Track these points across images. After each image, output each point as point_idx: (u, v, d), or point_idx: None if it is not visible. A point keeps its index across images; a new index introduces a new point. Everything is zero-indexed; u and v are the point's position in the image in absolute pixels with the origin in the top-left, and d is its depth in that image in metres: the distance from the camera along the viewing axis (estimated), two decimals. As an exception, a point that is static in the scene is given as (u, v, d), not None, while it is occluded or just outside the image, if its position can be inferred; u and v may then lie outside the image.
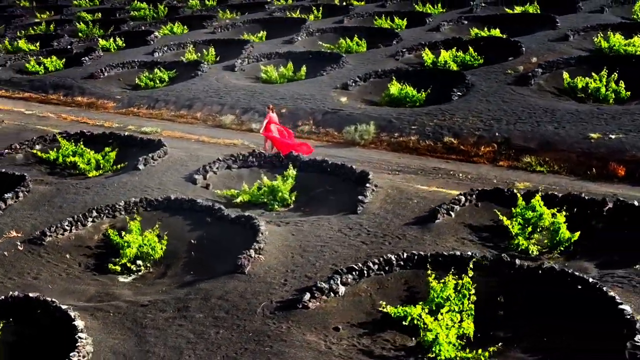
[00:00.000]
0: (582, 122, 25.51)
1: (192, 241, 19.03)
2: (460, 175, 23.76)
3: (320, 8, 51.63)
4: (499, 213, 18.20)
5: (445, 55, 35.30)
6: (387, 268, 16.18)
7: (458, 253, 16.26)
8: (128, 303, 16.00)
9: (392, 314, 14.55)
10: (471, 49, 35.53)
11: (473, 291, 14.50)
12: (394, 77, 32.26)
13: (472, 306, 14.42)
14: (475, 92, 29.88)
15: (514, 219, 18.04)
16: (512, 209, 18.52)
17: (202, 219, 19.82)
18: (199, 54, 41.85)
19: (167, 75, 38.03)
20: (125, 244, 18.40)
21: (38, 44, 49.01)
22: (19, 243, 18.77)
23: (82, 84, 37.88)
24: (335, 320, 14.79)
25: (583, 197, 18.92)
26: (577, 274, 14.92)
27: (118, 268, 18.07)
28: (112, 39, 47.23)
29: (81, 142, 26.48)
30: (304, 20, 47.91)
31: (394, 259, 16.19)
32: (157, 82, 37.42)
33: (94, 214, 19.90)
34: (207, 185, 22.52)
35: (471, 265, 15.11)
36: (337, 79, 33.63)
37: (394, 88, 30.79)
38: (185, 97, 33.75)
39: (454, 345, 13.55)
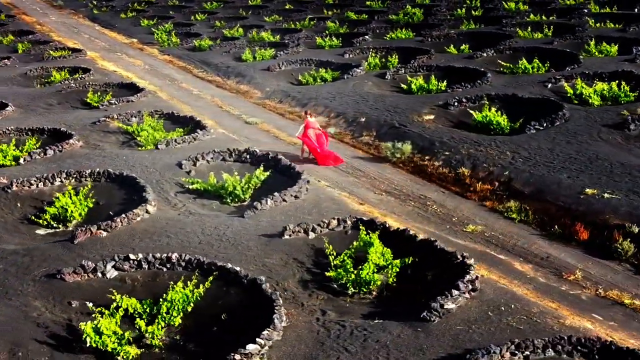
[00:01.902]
0: (605, 176, 22.19)
1: (110, 213, 21.39)
2: (433, 207, 22.50)
3: (552, 27, 48.75)
4: (326, 242, 17.55)
5: (599, 87, 32.01)
6: (168, 265, 16.98)
7: (228, 265, 16.44)
8: (-12, 246, 19.06)
9: (121, 304, 15.56)
10: (624, 84, 31.66)
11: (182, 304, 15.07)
12: (486, 102, 30.50)
13: (166, 315, 14.95)
14: (555, 128, 27.17)
15: (345, 252, 17.31)
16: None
17: (135, 196, 22.04)
18: (384, 60, 42.89)
19: (331, 75, 39.96)
20: (57, 201, 21.47)
21: (278, 36, 54.05)
22: (-4, 187, 22.89)
23: (254, 74, 41.63)
24: (80, 296, 16.21)
25: (436, 246, 17.23)
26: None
27: (41, 221, 21.18)
28: (328, 38, 50.36)
29: (162, 121, 30.10)
30: (510, 36, 45.92)
31: (174, 258, 16.92)
32: (318, 80, 39.57)
33: (64, 175, 23.27)
34: (189, 172, 24.50)
35: (195, 277, 15.65)
36: (454, 97, 32.48)
37: (478, 114, 29.24)
38: (309, 96, 35.51)
39: (117, 339, 14.21)
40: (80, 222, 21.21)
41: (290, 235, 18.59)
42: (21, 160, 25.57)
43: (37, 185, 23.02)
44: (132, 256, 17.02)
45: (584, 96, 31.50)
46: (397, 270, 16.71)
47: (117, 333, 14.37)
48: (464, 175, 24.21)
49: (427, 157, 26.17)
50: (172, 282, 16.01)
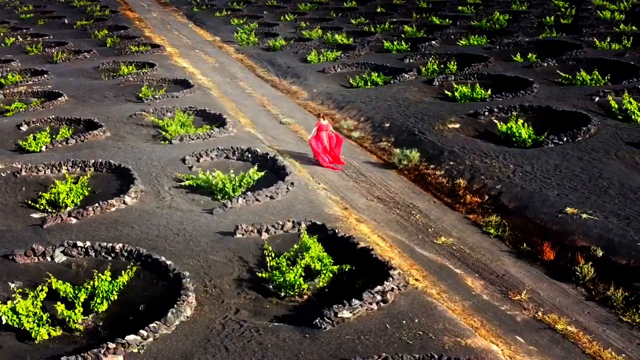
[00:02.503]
0: (596, 195, 21.25)
1: (100, 201, 22.38)
2: (416, 217, 22.25)
3: (631, 38, 46.57)
4: (266, 243, 17.77)
5: (642, 103, 30.68)
6: (112, 255, 17.70)
7: (161, 258, 16.97)
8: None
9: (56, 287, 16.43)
10: (674, 102, 30.12)
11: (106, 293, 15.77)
12: (514, 113, 29.73)
13: (91, 302, 15.73)
14: (574, 144, 26.15)
15: (284, 255, 17.47)
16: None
17: (127, 187, 22.97)
18: (442, 66, 42.34)
19: (382, 79, 39.87)
20: (53, 187, 22.72)
21: (351, 39, 54.22)
22: (8, 172, 24.34)
23: (309, 75, 42.00)
24: (25, 278, 17.19)
25: (371, 255, 17.12)
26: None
27: (37, 205, 22.46)
28: (396, 42, 50.10)
29: (192, 117, 31.10)
30: (579, 46, 44.15)
31: (118, 248, 17.63)
32: (369, 84, 39.59)
33: (70, 164, 24.53)
34: (191, 167, 25.24)
35: (129, 267, 16.27)
36: (486, 106, 31.67)
37: (502, 125, 28.53)
38: (348, 99, 35.59)
39: (36, 320, 15.07)
40: (74, 208, 22.29)
41: (242, 235, 18.90)
42: (43, 148, 27.03)
43: (45, 172, 24.33)
44: (79, 243, 17.83)
45: (628, 111, 30.07)
46: (331, 275, 16.71)
47: (36, 314, 15.13)
48: (459, 187, 23.75)
49: (431, 166, 25.79)
50: (95, 271, 16.73)
